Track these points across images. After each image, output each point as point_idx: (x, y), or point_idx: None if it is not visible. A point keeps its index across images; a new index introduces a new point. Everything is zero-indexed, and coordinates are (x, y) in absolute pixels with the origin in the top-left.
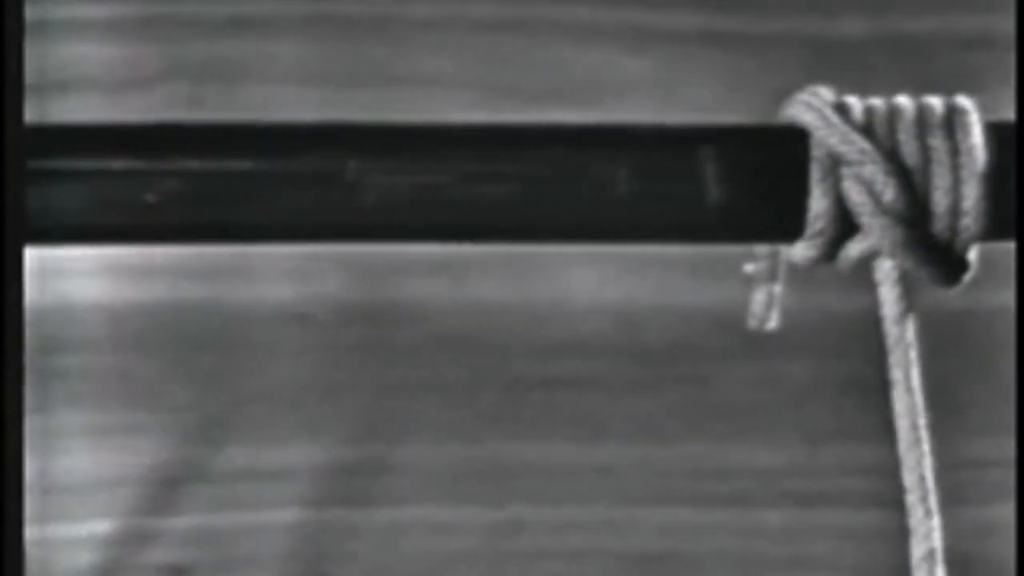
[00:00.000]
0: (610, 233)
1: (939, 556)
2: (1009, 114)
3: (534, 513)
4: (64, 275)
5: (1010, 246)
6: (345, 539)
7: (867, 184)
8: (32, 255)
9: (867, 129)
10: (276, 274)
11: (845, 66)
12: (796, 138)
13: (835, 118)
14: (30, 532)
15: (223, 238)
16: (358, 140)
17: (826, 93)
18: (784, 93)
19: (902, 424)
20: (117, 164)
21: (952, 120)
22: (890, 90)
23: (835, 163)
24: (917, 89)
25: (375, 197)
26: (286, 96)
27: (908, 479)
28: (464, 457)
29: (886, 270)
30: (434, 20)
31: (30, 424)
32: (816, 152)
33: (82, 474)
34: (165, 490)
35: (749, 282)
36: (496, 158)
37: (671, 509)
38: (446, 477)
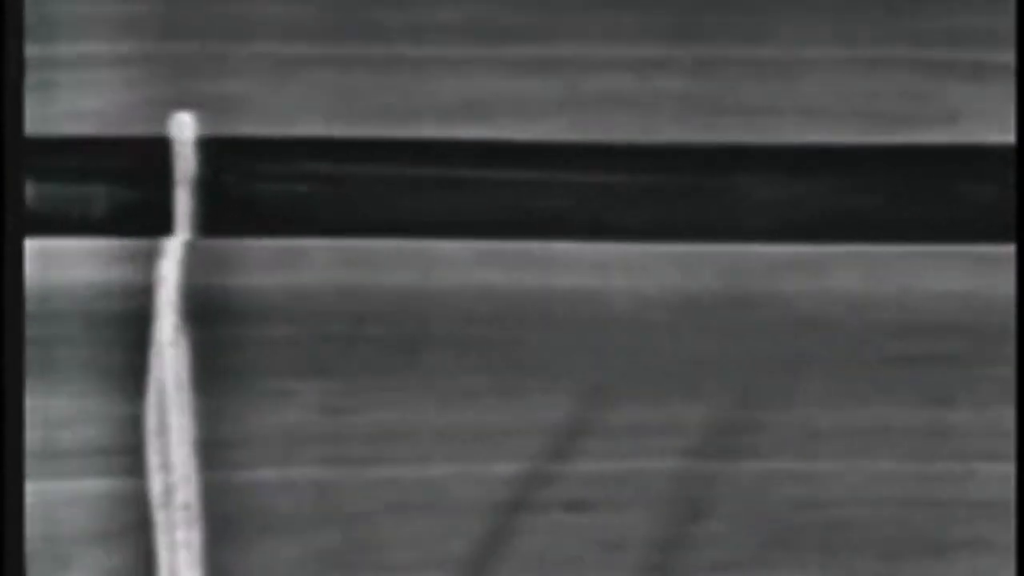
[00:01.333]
0: (972, 235)
1: None
2: None
3: (887, 466)
4: (453, 263)
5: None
6: (717, 487)
7: None
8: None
9: None
10: (660, 267)
11: None
12: None
13: None
14: (437, 470)
15: (616, 237)
16: (742, 157)
17: None
18: None
19: None
20: (524, 175)
21: None
22: None
23: None
24: None
25: (753, 204)
26: (676, 122)
27: None
28: (822, 419)
29: None
30: (812, 60)
31: (437, 386)
32: None
33: (492, 424)
34: (566, 440)
35: None
36: (863, 173)
37: (1012, 465)
38: (806, 436)
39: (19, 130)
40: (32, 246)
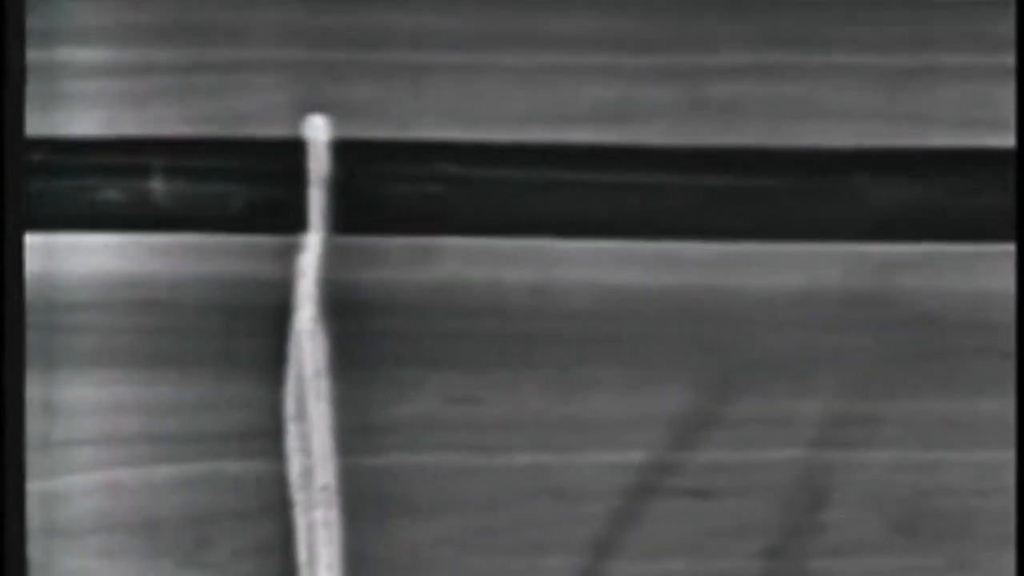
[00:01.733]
0: None
1: None
2: None
3: (998, 456)
4: (575, 262)
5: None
6: (836, 476)
7: None
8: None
9: None
10: (780, 265)
11: None
12: None
13: None
14: (561, 458)
15: (735, 237)
16: (858, 160)
17: None
18: None
19: None
20: (646, 177)
21: None
22: None
23: None
24: None
25: (874, 205)
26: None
27: None
28: (937, 411)
29: None
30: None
31: (560, 378)
32: None
33: (613, 415)
34: (689, 430)
35: None
36: (976, 175)
37: None
38: (922, 427)
39: (19, 130)
40: (170, 241)
